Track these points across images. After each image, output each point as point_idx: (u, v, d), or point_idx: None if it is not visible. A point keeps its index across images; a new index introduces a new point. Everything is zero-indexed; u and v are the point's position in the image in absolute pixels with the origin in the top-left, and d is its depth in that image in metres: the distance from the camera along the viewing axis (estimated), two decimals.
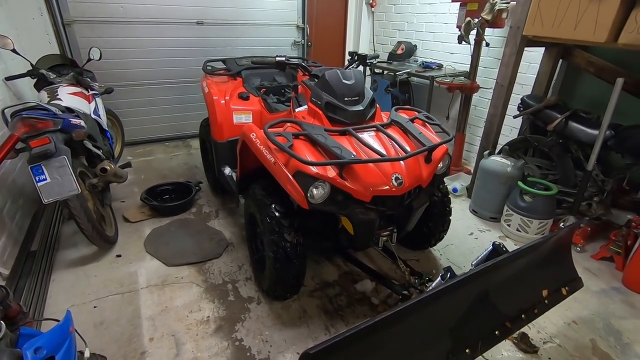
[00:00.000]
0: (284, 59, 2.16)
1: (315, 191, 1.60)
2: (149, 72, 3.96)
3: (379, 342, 1.13)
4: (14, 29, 3.12)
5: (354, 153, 1.65)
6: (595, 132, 2.28)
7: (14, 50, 2.67)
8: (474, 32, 2.89)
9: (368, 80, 4.33)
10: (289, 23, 4.46)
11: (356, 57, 2.33)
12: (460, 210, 2.97)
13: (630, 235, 2.24)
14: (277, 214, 1.73)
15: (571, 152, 2.55)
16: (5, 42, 2.63)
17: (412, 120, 2.04)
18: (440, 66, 3.75)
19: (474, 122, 3.65)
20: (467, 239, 2.60)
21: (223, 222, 2.71)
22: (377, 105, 2.08)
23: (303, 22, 4.52)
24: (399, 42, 4.14)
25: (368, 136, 1.83)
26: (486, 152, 2.76)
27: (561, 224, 2.49)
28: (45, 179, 1.84)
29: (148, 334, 1.75)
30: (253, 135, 1.83)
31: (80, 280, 2.08)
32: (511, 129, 3.20)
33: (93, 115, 2.72)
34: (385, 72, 3.99)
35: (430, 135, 1.95)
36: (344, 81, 1.91)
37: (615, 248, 2.30)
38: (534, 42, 2.45)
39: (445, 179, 3.28)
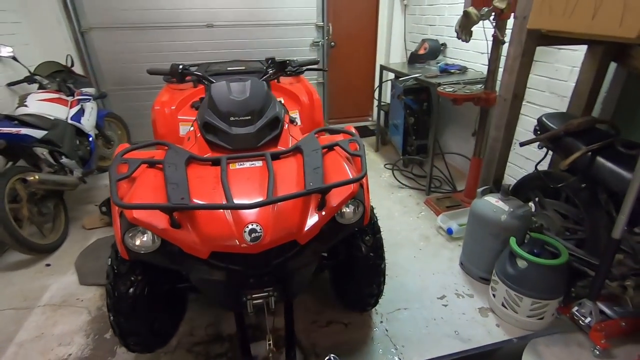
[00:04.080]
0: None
1: (136, 240, 1.27)
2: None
3: None
4: (36, 38, 3.43)
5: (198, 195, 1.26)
6: (630, 175, 1.44)
7: (14, 58, 2.90)
8: (483, 26, 2.16)
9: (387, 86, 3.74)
10: (307, 22, 4.09)
11: (271, 63, 1.87)
12: (447, 259, 2.28)
13: None
14: (114, 256, 1.45)
15: (602, 203, 1.69)
16: (5, 50, 2.86)
17: (330, 148, 1.55)
18: (463, 70, 2.99)
19: None
20: (432, 305, 1.94)
21: None
22: (287, 126, 1.64)
23: (323, 20, 4.11)
24: (423, 40, 3.44)
25: (247, 169, 1.43)
26: (480, 190, 2.03)
27: (574, 309, 1.69)
28: None
29: None
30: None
31: None
32: (525, 159, 2.34)
33: (70, 120, 2.81)
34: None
35: (343, 171, 1.44)
36: (231, 97, 1.53)
37: None
38: (550, 38, 1.67)
39: (445, 214, 2.60)
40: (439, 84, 2.61)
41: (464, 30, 2.07)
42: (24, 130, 2.26)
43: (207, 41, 3.96)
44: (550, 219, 1.96)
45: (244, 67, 2.77)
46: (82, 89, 3.11)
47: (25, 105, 2.54)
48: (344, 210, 1.44)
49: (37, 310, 1.94)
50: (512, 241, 1.76)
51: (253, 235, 1.25)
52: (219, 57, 3.97)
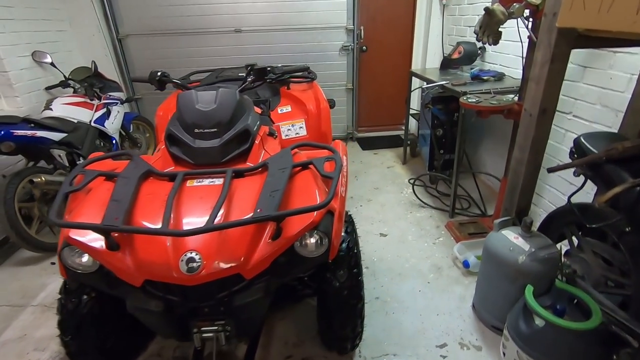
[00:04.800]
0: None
1: (75, 259, 1.19)
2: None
3: None
4: (78, 45, 3.68)
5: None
6: None
7: (52, 64, 3.11)
8: (518, 26, 1.82)
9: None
10: (336, 25, 3.91)
11: (250, 70, 1.70)
12: (457, 297, 1.95)
13: None
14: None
15: None
16: (45, 57, 3.08)
17: (304, 167, 1.37)
18: (499, 77, 2.60)
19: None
20: (428, 354, 1.65)
21: None
22: (260, 140, 1.48)
23: (353, 24, 3.90)
24: (458, 44, 3.08)
25: (204, 187, 1.30)
26: (497, 221, 1.70)
27: None
28: None
29: None
30: None
31: (3, 281, 2.22)
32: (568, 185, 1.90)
33: (93, 124, 2.93)
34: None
35: (311, 195, 1.26)
36: (197, 106, 1.41)
37: None
38: (589, 39, 1.32)
39: (463, 243, 2.25)
40: (464, 93, 2.28)
41: (487, 31, 1.74)
42: (39, 133, 2.37)
43: (235, 46, 3.95)
44: (587, 265, 1.56)
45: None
46: (109, 93, 3.24)
47: (50, 109, 2.69)
48: (307, 241, 1.25)
49: (29, 309, 1.99)
50: (528, 291, 1.42)
51: (190, 265, 1.11)
52: (249, 62, 3.95)
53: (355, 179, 3.41)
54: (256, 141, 1.46)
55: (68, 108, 2.78)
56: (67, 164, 2.61)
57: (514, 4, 1.74)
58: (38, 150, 2.49)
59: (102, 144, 3.05)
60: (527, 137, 1.59)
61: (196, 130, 1.39)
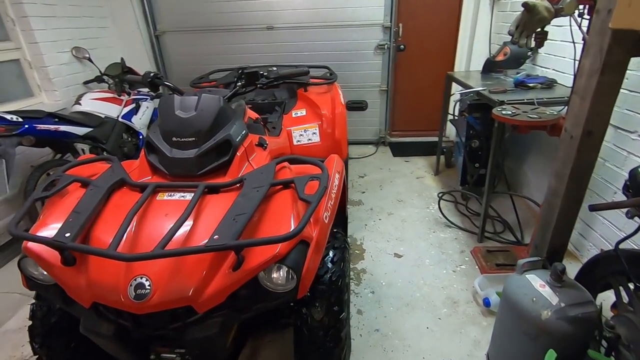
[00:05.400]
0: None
1: (33, 270, 1.15)
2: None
3: None
4: (119, 41, 3.82)
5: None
6: None
7: (89, 59, 3.24)
8: (570, 24, 1.49)
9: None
10: (372, 22, 3.67)
11: (242, 75, 1.52)
12: (471, 342, 1.68)
13: None
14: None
15: None
16: (84, 53, 3.21)
17: (286, 185, 1.22)
18: (549, 84, 2.22)
19: (596, 186, 1.99)
20: None
21: None
22: (243, 152, 1.34)
23: (391, 21, 3.63)
24: (504, 44, 2.71)
25: (173, 202, 1.19)
26: (521, 262, 1.40)
27: None
28: None
29: None
30: None
31: None
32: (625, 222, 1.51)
33: (121, 119, 3.01)
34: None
35: (285, 221, 1.11)
36: (177, 113, 1.30)
37: None
38: None
39: (486, 276, 1.95)
40: (501, 103, 1.96)
41: (526, 31, 1.43)
42: (63, 128, 2.45)
43: (268, 43, 3.87)
44: (637, 331, 1.23)
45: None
46: (139, 89, 3.31)
47: (79, 103, 2.79)
48: (273, 275, 1.09)
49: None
50: (550, 357, 1.14)
51: (139, 291, 1.00)
52: (279, 60, 3.85)
53: (379, 189, 3.17)
54: (238, 153, 1.32)
55: (96, 103, 2.86)
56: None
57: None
58: (63, 143, 2.58)
59: (129, 139, 3.12)
60: (565, 163, 1.29)
61: (174, 139, 1.28)
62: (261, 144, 1.46)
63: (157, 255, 0.94)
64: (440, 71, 3.89)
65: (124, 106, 3.08)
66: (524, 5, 1.37)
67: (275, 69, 1.54)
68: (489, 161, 2.13)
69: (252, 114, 1.61)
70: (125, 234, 1.05)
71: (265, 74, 1.55)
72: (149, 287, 1.01)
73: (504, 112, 1.79)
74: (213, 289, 1.02)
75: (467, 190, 2.78)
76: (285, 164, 1.37)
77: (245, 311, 1.10)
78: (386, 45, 3.73)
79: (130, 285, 1.01)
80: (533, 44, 1.45)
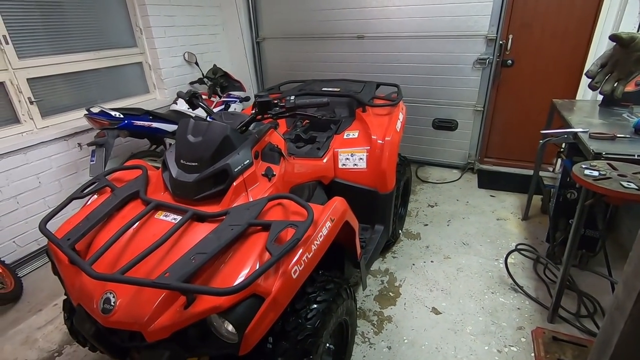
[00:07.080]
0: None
1: None
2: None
3: None
4: (227, 46, 4.25)
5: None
6: None
7: (196, 63, 3.69)
8: None
9: None
10: (473, 33, 3.21)
11: (257, 103, 1.40)
12: None
13: None
14: None
15: None
16: (193, 57, 3.67)
17: (266, 227, 1.18)
18: None
19: None
20: None
21: None
22: (240, 181, 1.33)
23: (497, 32, 3.12)
24: None
25: (165, 222, 1.27)
26: None
27: None
28: (93, 161, 2.58)
29: None
30: None
31: None
32: None
33: (209, 119, 3.33)
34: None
35: (246, 267, 1.07)
36: (188, 137, 1.37)
37: None
38: None
39: None
40: (597, 156, 1.47)
41: (617, 72, 1.00)
42: (155, 125, 2.84)
43: (357, 53, 3.78)
44: None
45: (338, 89, 2.47)
46: (230, 92, 3.62)
47: (176, 103, 3.19)
48: (223, 324, 1.05)
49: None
50: None
51: (105, 305, 1.09)
52: (368, 70, 3.77)
53: (446, 224, 2.80)
54: (235, 183, 1.30)
55: None
56: None
57: None
58: (157, 137, 3.01)
59: None
60: (637, 271, 0.88)
61: (182, 161, 1.34)
62: (266, 175, 1.41)
63: (115, 280, 1.00)
64: (557, 92, 3.20)
65: (214, 107, 3.41)
66: (614, 38, 0.97)
67: (292, 98, 1.46)
68: (572, 227, 1.64)
69: (276, 139, 1.57)
70: (118, 247, 1.16)
71: (280, 103, 1.49)
72: (113, 304, 1.08)
73: (587, 171, 1.33)
74: (162, 322, 1.03)
75: (550, 251, 2.23)
76: (283, 201, 1.30)
77: (193, 352, 1.08)
78: (488, 60, 3.23)
79: (102, 297, 1.10)
80: (622, 89, 1.02)
